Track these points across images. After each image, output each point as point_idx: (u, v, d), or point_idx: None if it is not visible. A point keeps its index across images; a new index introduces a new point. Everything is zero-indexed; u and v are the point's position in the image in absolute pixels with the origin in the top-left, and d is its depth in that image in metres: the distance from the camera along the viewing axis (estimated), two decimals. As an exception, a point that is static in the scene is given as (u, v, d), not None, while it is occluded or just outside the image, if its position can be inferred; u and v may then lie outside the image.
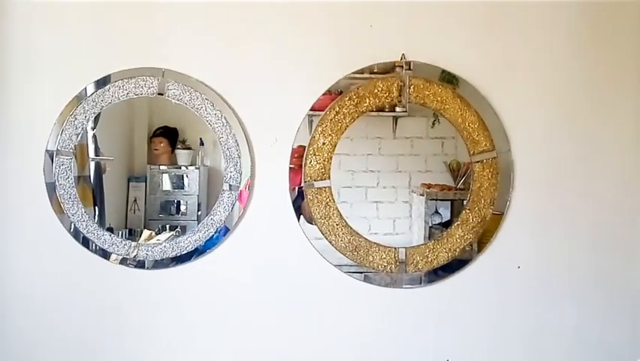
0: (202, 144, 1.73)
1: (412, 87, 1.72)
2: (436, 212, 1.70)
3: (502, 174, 1.73)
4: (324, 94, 1.71)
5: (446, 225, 1.72)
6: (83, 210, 1.67)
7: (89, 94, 1.67)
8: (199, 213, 1.70)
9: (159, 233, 1.69)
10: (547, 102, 1.74)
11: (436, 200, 1.69)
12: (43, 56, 1.69)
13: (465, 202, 1.71)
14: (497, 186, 1.74)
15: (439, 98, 1.72)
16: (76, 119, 1.67)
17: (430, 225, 1.70)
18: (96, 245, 1.69)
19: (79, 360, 1.74)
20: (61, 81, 1.68)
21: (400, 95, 1.72)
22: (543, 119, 1.74)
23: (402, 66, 1.71)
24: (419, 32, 1.73)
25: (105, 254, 1.70)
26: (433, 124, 1.69)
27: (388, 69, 1.72)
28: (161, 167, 1.72)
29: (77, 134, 1.67)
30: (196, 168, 1.72)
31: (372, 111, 1.70)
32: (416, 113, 1.68)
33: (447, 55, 1.72)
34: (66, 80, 1.68)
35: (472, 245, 1.75)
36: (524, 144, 1.74)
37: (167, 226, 1.70)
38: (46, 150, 1.68)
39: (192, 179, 1.72)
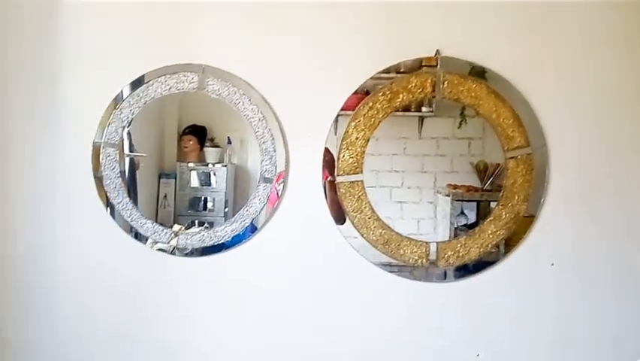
0: (230, 142, 1.76)
1: (445, 83, 1.71)
2: (462, 213, 1.69)
3: (537, 171, 1.71)
4: (353, 93, 1.72)
5: (471, 227, 1.71)
6: (127, 199, 1.75)
7: (133, 89, 1.74)
8: (226, 209, 1.74)
9: (188, 228, 1.74)
10: (583, 101, 1.71)
11: (462, 201, 1.68)
12: (90, 53, 1.76)
13: (495, 201, 1.70)
14: (531, 182, 1.72)
15: (473, 94, 1.71)
16: (122, 112, 1.74)
17: (456, 226, 1.70)
18: (138, 233, 1.77)
19: (118, 346, 1.81)
20: (108, 78, 1.76)
21: (433, 91, 1.72)
22: (579, 117, 1.71)
23: (430, 65, 1.70)
24: (453, 28, 1.72)
25: (146, 241, 1.77)
26: (460, 124, 1.68)
27: (415, 68, 1.72)
28: (190, 164, 1.76)
29: (123, 127, 1.74)
30: (223, 166, 1.76)
31: (406, 107, 1.70)
32: (443, 114, 1.68)
33: (481, 50, 1.71)
34: (113, 76, 1.75)
35: (504, 241, 1.74)
36: (560, 141, 1.72)
37: (196, 222, 1.75)
38: (94, 143, 1.76)
39: (220, 176, 1.76)
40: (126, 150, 1.72)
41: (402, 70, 1.72)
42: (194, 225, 1.75)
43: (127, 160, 1.72)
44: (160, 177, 1.74)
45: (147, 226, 1.76)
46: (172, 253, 1.77)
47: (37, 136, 1.78)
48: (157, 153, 1.76)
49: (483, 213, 1.68)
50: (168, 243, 1.76)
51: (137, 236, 1.78)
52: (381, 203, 1.67)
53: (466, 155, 1.68)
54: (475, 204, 1.69)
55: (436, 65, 1.72)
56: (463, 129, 1.69)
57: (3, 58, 1.77)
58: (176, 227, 1.74)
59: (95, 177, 1.77)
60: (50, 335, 1.81)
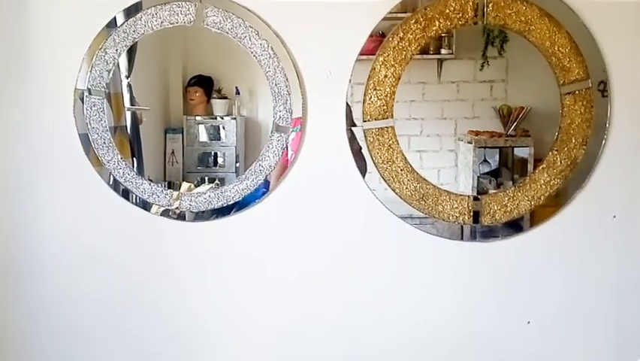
0: (238, 93, 1.65)
1: (490, 5, 1.47)
2: (485, 161, 1.59)
3: (596, 109, 1.50)
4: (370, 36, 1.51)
5: (494, 174, 1.61)
6: (119, 157, 1.56)
7: (118, 24, 1.52)
8: (237, 165, 1.67)
9: (198, 185, 1.65)
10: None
11: (485, 148, 1.59)
12: None
13: (519, 147, 1.58)
14: (591, 122, 1.50)
15: (522, 18, 1.48)
16: (106, 53, 1.52)
17: (479, 174, 1.59)
18: (136, 196, 1.57)
19: (117, 317, 1.65)
20: (87, 12, 1.53)
21: (475, 16, 1.48)
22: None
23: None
24: None
25: (145, 205, 1.59)
26: (482, 66, 1.55)
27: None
28: (198, 118, 1.68)
29: (109, 71, 1.53)
30: (232, 119, 1.67)
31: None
32: (463, 56, 1.57)
33: None
34: (93, 10, 1.53)
35: (559, 192, 1.53)
36: (625, 74, 1.50)
37: (206, 179, 1.66)
38: (75, 89, 1.54)
39: (229, 130, 1.68)
40: (127, 104, 1.61)
41: (418, 6, 1.51)
42: (204, 182, 1.65)
43: (128, 114, 1.62)
44: (166, 132, 1.67)
45: (144, 188, 1.57)
46: (174, 217, 1.59)
47: (11, 89, 1.58)
48: (162, 107, 1.68)
49: (504, 159, 1.61)
50: (169, 206, 1.57)
51: (133, 199, 1.59)
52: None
53: (488, 99, 1.58)
54: (497, 150, 1.61)
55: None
56: (484, 72, 1.56)
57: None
58: (184, 185, 1.64)
59: (79, 133, 1.56)
60: (38, 309, 1.65)
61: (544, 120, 1.57)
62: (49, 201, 1.61)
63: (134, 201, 1.58)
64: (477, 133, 1.59)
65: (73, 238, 1.62)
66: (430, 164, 1.59)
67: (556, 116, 1.51)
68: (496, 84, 1.57)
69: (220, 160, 1.67)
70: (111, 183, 1.57)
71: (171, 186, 1.63)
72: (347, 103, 1.53)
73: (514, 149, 1.60)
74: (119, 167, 1.55)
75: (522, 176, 1.56)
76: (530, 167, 1.56)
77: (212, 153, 1.68)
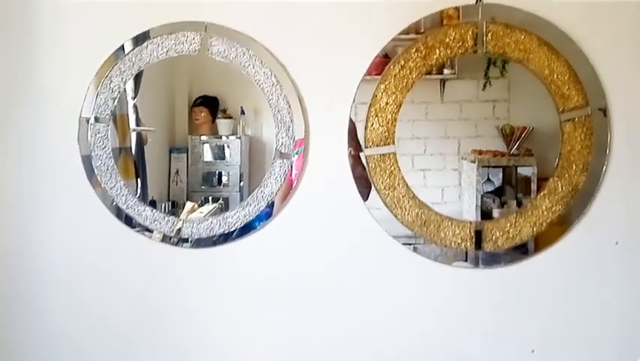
0: (243, 112, 1.66)
1: (489, 34, 1.49)
2: (488, 179, 1.59)
3: (596, 137, 1.50)
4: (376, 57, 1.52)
5: (498, 192, 1.60)
6: (122, 183, 1.55)
7: (125, 53, 1.53)
8: (241, 184, 1.66)
9: (202, 205, 1.64)
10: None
11: (489, 167, 1.58)
12: (73, 11, 1.55)
13: (523, 166, 1.58)
14: (591, 149, 1.50)
15: (521, 47, 1.49)
16: (111, 81, 1.53)
17: (482, 193, 1.59)
18: (137, 222, 1.56)
19: (117, 347, 1.62)
20: (95, 39, 1.55)
21: (475, 45, 1.50)
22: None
23: (451, 24, 1.50)
24: None
25: (147, 231, 1.57)
26: (484, 86, 1.56)
27: (436, 25, 1.51)
28: (202, 137, 1.68)
29: (114, 99, 1.54)
30: (237, 138, 1.67)
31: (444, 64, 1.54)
32: (465, 76, 1.57)
33: None
34: (100, 38, 1.54)
35: (560, 218, 1.52)
36: (624, 101, 1.49)
37: (210, 198, 1.65)
38: (80, 117, 1.55)
39: (234, 149, 1.68)
40: (132, 125, 1.62)
41: (422, 30, 1.53)
42: (208, 201, 1.65)
43: (133, 135, 1.62)
44: (171, 151, 1.67)
45: (146, 214, 1.56)
46: (176, 244, 1.58)
47: (15, 112, 1.58)
48: (167, 127, 1.68)
49: (508, 177, 1.61)
50: (171, 233, 1.56)
51: (135, 225, 1.58)
52: (404, 172, 1.56)
53: (491, 118, 1.58)
54: (500, 169, 1.61)
55: (477, 14, 1.50)
56: (487, 91, 1.56)
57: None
58: (188, 204, 1.63)
59: (83, 158, 1.56)
60: (38, 334, 1.63)
61: (547, 140, 1.56)
62: (52, 224, 1.60)
63: (136, 227, 1.57)
64: (480, 152, 1.59)
65: (77, 260, 1.60)
66: (433, 183, 1.59)
67: (559, 136, 1.51)
68: (498, 104, 1.57)
69: (224, 179, 1.66)
70: (112, 207, 1.56)
71: (175, 205, 1.63)
72: (349, 128, 1.53)
73: (518, 168, 1.60)
74: (121, 193, 1.54)
75: (526, 195, 1.55)
76: (534, 185, 1.55)
77: (217, 172, 1.67)
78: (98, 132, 1.54)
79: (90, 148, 1.54)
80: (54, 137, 1.57)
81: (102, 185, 1.55)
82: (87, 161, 1.56)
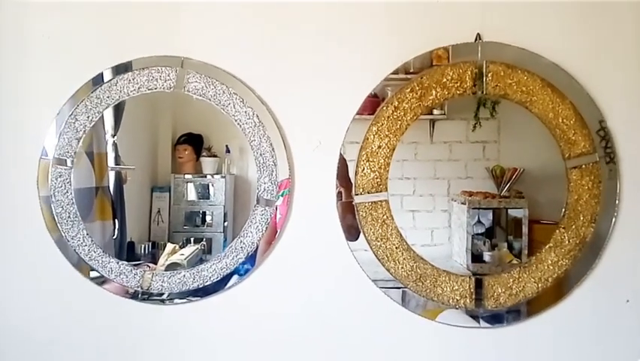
0: (228, 151, 1.58)
1: (490, 75, 1.39)
2: (479, 221, 1.54)
3: (605, 185, 1.40)
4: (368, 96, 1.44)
5: (489, 234, 1.54)
6: (84, 232, 1.42)
7: (91, 90, 1.42)
8: (225, 224, 1.60)
9: (183, 247, 1.57)
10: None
11: (479, 209, 1.54)
12: (36, 47, 1.46)
13: (513, 208, 1.52)
14: (599, 199, 1.39)
15: (524, 88, 1.40)
16: (76, 120, 1.41)
17: (473, 235, 1.54)
18: (100, 274, 1.43)
19: None
20: (60, 74, 1.43)
21: (474, 86, 1.39)
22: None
23: (440, 64, 1.42)
24: (495, 9, 1.42)
25: (109, 285, 1.44)
26: (474, 127, 1.51)
27: (425, 66, 1.43)
28: (186, 176, 1.62)
29: (78, 139, 1.42)
30: (222, 177, 1.60)
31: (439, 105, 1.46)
32: (455, 116, 1.53)
33: (530, 35, 1.41)
34: (66, 72, 1.43)
35: (567, 273, 1.40)
36: (634, 148, 1.41)
37: (192, 239, 1.58)
38: (41, 158, 1.42)
39: (218, 188, 1.62)
40: (111, 163, 1.54)
41: (411, 70, 1.45)
42: (190, 242, 1.57)
43: (112, 174, 1.55)
44: (153, 190, 1.60)
45: (111, 267, 1.41)
46: (144, 299, 1.44)
47: None
48: (149, 165, 1.62)
49: (498, 219, 1.56)
50: (137, 287, 1.42)
51: (98, 279, 1.44)
52: (392, 213, 1.50)
53: (481, 159, 1.54)
54: (491, 211, 1.57)
55: (477, 54, 1.40)
56: (477, 132, 1.52)
57: None
58: (169, 246, 1.54)
59: (41, 204, 1.43)
60: None
61: (538, 182, 1.50)
62: (8, 275, 1.48)
63: (100, 281, 1.44)
64: (470, 194, 1.52)
65: (38, 321, 1.47)
66: (423, 224, 1.52)
67: (550, 179, 1.47)
68: (488, 145, 1.52)
69: (208, 219, 1.60)
70: (75, 261, 1.43)
71: (155, 246, 1.55)
72: (339, 167, 1.43)
73: (508, 210, 1.54)
74: (84, 244, 1.41)
75: (517, 237, 1.48)
76: (525, 228, 1.48)
77: (200, 212, 1.61)
78: (60, 176, 1.41)
79: (50, 193, 1.42)
80: (11, 181, 1.45)
81: (62, 233, 1.41)
82: (47, 204, 1.43)
